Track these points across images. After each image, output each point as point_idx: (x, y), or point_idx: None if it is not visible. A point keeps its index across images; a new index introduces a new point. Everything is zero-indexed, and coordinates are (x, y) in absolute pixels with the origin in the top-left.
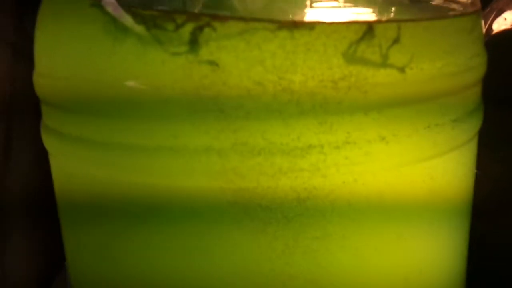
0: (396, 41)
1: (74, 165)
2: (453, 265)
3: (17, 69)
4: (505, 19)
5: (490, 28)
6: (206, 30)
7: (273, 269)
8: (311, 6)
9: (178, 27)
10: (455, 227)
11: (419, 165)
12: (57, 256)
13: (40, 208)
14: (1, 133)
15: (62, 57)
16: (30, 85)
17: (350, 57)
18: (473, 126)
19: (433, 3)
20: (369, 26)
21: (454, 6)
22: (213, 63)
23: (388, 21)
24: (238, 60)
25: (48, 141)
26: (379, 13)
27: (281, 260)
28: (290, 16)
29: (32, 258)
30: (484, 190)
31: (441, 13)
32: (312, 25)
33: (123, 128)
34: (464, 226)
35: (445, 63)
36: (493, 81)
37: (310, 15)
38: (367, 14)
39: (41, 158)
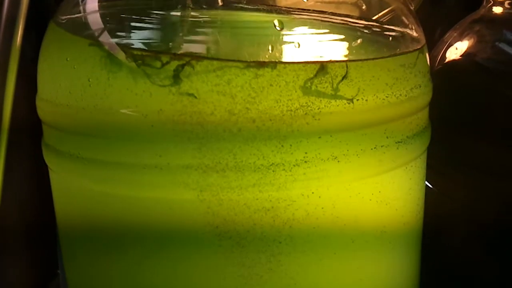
0: (345, 77)
1: (72, 179)
2: (405, 273)
3: (16, 89)
4: (456, 48)
5: (443, 57)
6: (186, 68)
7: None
8: (272, 49)
9: (163, 65)
10: (405, 237)
11: (367, 180)
12: (51, 264)
13: (36, 227)
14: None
15: (64, 86)
16: (28, 106)
17: (306, 90)
18: (417, 146)
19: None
20: (321, 65)
21: (401, 40)
22: (191, 95)
23: (338, 61)
24: (212, 93)
25: (48, 158)
26: (334, 50)
27: (250, 261)
28: (256, 57)
29: (29, 268)
30: (449, 211)
31: (385, 51)
32: (274, 65)
33: (116, 148)
34: (415, 236)
35: (388, 94)
36: (444, 104)
37: (272, 55)
38: (321, 54)
39: (37, 182)
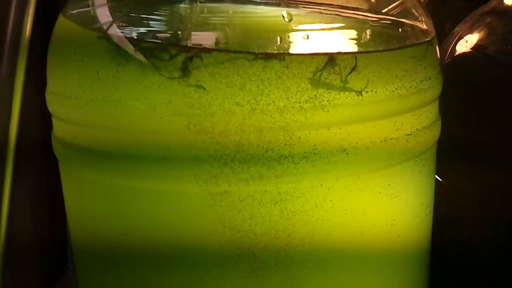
0: (354, 69)
1: (82, 172)
2: (415, 267)
3: (27, 84)
4: (466, 41)
5: (453, 50)
6: (195, 60)
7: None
8: (281, 41)
9: (172, 57)
10: (415, 230)
11: (376, 173)
12: (61, 257)
13: (45, 229)
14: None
15: (73, 79)
16: (38, 106)
17: (315, 82)
18: (427, 139)
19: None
20: (330, 57)
21: (410, 32)
22: (200, 87)
23: (347, 52)
24: (220, 85)
25: (58, 151)
26: (343, 42)
27: (258, 254)
28: (264, 48)
29: (38, 261)
30: (459, 205)
31: (394, 43)
32: (282, 56)
33: (125, 140)
34: (424, 230)
35: (397, 86)
36: (454, 97)
37: (281, 47)
38: (329, 46)
39: (47, 184)
